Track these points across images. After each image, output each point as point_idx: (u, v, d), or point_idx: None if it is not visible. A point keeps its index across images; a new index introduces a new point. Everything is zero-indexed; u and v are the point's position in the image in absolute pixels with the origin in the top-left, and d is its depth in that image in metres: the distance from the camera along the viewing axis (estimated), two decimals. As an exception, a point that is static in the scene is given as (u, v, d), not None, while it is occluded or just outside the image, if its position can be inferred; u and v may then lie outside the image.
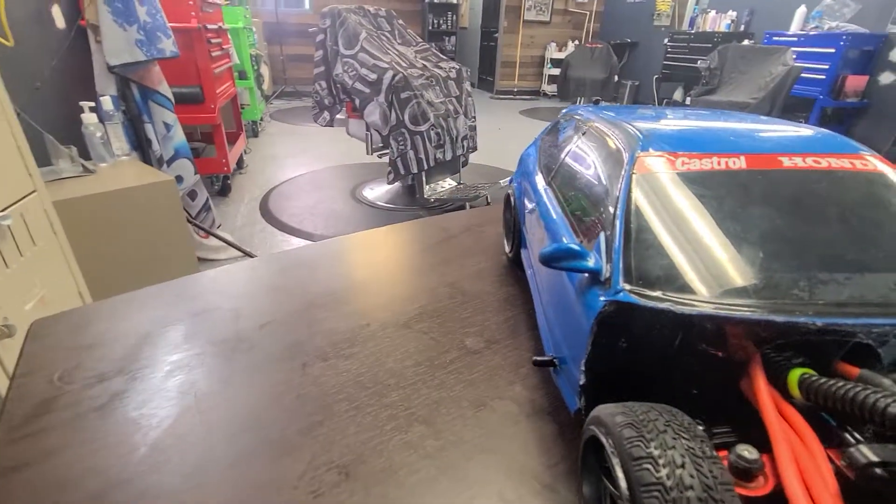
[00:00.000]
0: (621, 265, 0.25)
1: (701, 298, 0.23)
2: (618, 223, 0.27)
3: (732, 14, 4.29)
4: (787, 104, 3.01)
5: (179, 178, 1.75)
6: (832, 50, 3.16)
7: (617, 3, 5.85)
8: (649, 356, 0.26)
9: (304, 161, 3.14)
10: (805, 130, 0.34)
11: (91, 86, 1.53)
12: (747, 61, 3.34)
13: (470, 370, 0.37)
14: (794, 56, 3.00)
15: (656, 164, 0.30)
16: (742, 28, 4.24)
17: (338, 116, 2.44)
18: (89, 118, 1.36)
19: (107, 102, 1.45)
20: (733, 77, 3.40)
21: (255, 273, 0.51)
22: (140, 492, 0.26)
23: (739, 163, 0.29)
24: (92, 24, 1.48)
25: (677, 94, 4.64)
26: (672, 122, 0.36)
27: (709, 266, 0.24)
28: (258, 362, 0.37)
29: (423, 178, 2.37)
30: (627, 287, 0.24)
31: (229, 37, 2.58)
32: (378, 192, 2.61)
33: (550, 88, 6.09)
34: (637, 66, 5.53)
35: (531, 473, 0.29)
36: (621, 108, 0.46)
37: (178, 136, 1.76)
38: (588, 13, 6.04)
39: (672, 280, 0.24)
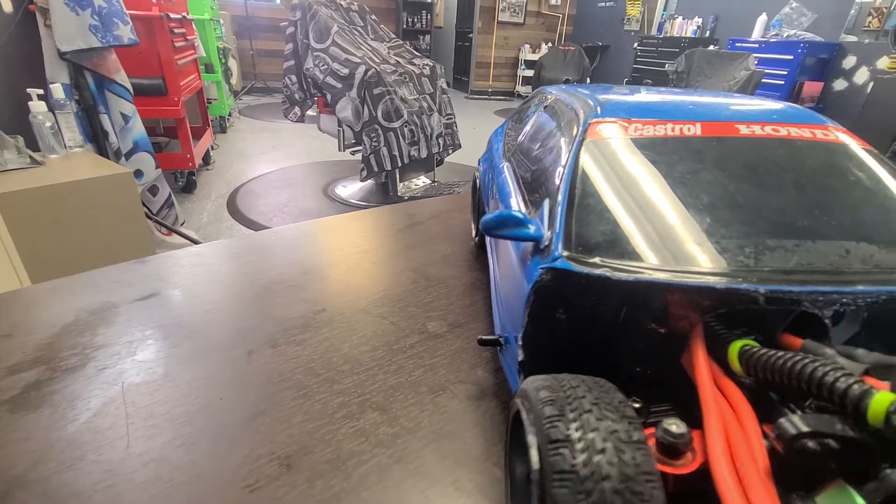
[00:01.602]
0: (562, 231, 0.23)
1: (642, 265, 0.21)
2: (562, 188, 0.25)
3: (698, 20, 4.43)
4: (750, 107, 3.10)
5: (139, 173, 1.67)
6: (790, 57, 3.30)
7: (588, 7, 5.94)
8: (591, 331, 0.24)
9: (275, 157, 3.06)
10: (774, 104, 0.33)
11: (41, 73, 1.44)
12: (712, 66, 3.44)
13: (431, 354, 0.35)
14: (756, 61, 3.10)
15: (608, 129, 0.29)
16: (707, 34, 4.37)
17: (309, 112, 2.39)
18: (37, 106, 1.27)
19: (57, 90, 1.36)
20: (699, 81, 3.49)
21: (203, 259, 0.48)
22: (43, 492, 0.23)
23: (695, 129, 0.29)
24: (41, 6, 1.40)
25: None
26: (636, 95, 0.35)
27: (652, 232, 0.23)
28: (198, 350, 0.34)
29: (397, 176, 2.34)
30: (566, 254, 0.22)
31: (194, 28, 2.49)
32: (351, 189, 2.56)
33: (524, 89, 6.13)
34: (608, 69, 5.63)
35: (492, 460, 0.26)
36: (595, 85, 0.45)
37: (138, 128, 1.68)
38: (560, 16, 6.12)
39: (612, 246, 0.22)
